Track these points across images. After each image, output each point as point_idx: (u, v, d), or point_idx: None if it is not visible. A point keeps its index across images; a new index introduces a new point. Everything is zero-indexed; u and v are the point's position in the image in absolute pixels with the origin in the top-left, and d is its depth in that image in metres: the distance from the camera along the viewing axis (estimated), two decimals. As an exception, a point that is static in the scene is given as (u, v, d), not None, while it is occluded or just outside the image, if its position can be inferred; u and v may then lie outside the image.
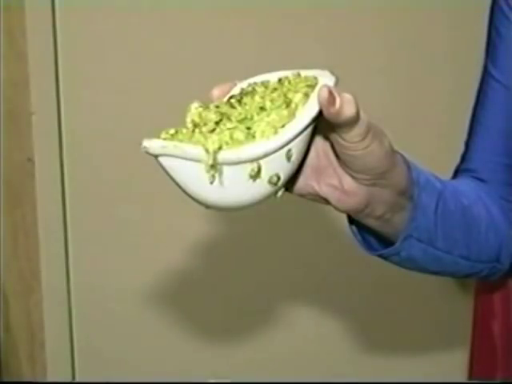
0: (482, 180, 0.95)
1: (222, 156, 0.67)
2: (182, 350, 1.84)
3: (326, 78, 0.73)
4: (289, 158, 0.70)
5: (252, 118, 0.70)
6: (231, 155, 0.67)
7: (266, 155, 0.68)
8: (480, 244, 0.90)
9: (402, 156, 0.78)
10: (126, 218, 1.78)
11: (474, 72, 1.00)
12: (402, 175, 0.77)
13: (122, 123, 1.73)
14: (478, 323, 1.36)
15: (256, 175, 0.69)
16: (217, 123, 0.69)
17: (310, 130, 0.71)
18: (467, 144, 0.98)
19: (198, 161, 0.67)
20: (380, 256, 0.85)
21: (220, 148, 0.67)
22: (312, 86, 0.72)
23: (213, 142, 0.67)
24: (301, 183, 0.76)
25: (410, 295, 1.91)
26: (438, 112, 1.85)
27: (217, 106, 0.71)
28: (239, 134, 0.68)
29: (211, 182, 0.68)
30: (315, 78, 0.73)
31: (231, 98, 0.73)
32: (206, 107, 0.70)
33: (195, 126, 0.69)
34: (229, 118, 0.70)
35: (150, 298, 1.80)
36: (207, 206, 0.70)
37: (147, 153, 0.67)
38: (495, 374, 1.32)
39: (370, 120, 0.71)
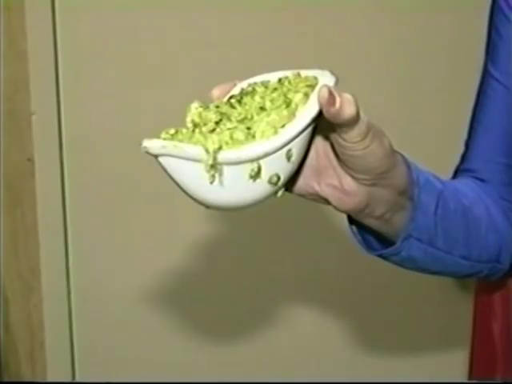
0: (482, 180, 0.95)
1: (222, 156, 0.67)
2: (182, 350, 1.84)
3: (326, 78, 0.73)
4: (289, 157, 0.70)
5: (252, 118, 0.70)
6: (231, 155, 0.67)
7: (266, 155, 0.68)
8: (480, 244, 0.90)
9: (402, 156, 0.78)
10: (126, 218, 1.78)
11: (474, 72, 1.00)
12: (402, 175, 0.77)
13: (122, 123, 1.73)
14: (478, 323, 1.35)
15: (256, 175, 0.69)
16: (217, 123, 0.69)
17: (310, 129, 0.71)
18: (467, 144, 0.98)
19: (197, 161, 0.67)
20: (380, 256, 0.85)
21: (220, 148, 0.67)
22: (312, 86, 0.72)
23: (213, 142, 0.67)
24: (301, 183, 0.76)
25: (410, 295, 1.91)
26: (438, 112, 1.85)
27: (217, 106, 0.71)
28: (239, 134, 0.68)
29: (211, 182, 0.68)
30: (315, 78, 0.73)
31: (231, 97, 0.73)
32: (206, 107, 0.70)
33: (195, 126, 0.69)
34: (229, 118, 0.70)
35: (150, 298, 1.80)
36: (207, 206, 0.70)
37: (147, 153, 0.67)
38: (495, 373, 1.32)
39: (369, 120, 0.71)
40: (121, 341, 1.82)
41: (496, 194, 0.94)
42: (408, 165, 0.79)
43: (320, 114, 0.70)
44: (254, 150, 0.68)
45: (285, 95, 0.71)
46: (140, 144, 0.66)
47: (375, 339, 1.94)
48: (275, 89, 0.73)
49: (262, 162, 0.68)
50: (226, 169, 0.68)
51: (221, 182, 0.68)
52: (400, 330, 1.92)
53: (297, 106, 0.70)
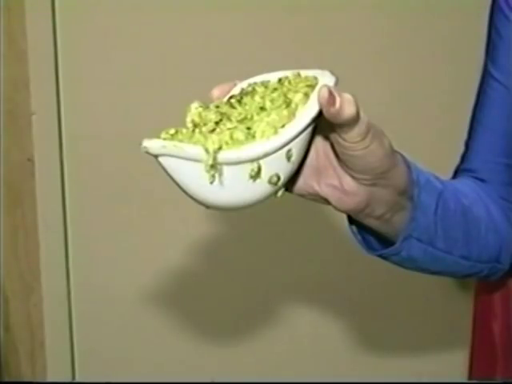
0: (482, 180, 0.95)
1: (222, 156, 0.67)
2: (182, 350, 1.84)
3: (326, 78, 0.73)
4: (289, 157, 0.70)
5: (252, 118, 0.70)
6: (231, 155, 0.67)
7: (266, 155, 0.68)
8: (480, 244, 0.90)
9: (402, 156, 0.78)
10: (126, 218, 1.78)
11: (474, 72, 1.00)
12: (402, 175, 0.77)
13: (122, 123, 1.73)
14: (478, 323, 1.35)
15: (256, 175, 0.69)
16: (217, 123, 0.69)
17: (310, 129, 0.71)
18: (467, 144, 0.98)
19: (197, 161, 0.67)
20: (380, 256, 0.85)
21: (220, 148, 0.67)
22: (312, 86, 0.72)
23: (213, 142, 0.67)
24: (301, 183, 0.76)
25: (410, 295, 1.91)
26: (438, 112, 1.85)
27: (217, 106, 0.71)
28: (239, 134, 0.68)
29: (211, 182, 0.68)
30: (315, 78, 0.73)
31: (231, 97, 0.73)
32: (206, 107, 0.70)
33: (195, 126, 0.69)
34: (229, 118, 0.70)
35: (150, 298, 1.80)
36: (207, 206, 0.70)
37: (147, 153, 0.67)
38: (495, 373, 1.31)
39: (369, 120, 0.71)
40: (121, 341, 1.82)
41: (496, 194, 0.94)
42: (408, 165, 0.79)
43: (320, 113, 0.70)
44: (253, 149, 0.68)
45: (285, 95, 0.71)
46: (140, 144, 0.66)
47: (375, 339, 1.94)
48: (275, 89, 0.73)
49: (262, 162, 0.68)
50: (225, 169, 0.67)
51: (221, 182, 0.68)
52: (400, 330, 1.92)
53: (297, 105, 0.70)
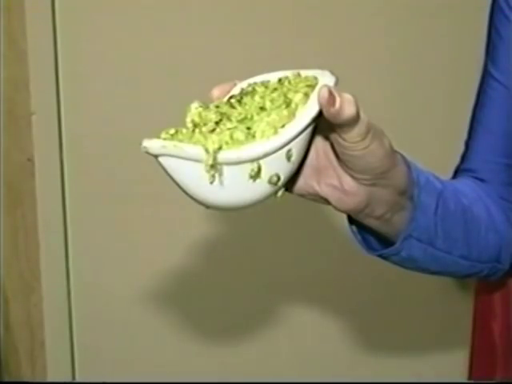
0: (481, 180, 0.95)
1: (222, 156, 0.67)
2: (182, 350, 1.84)
3: (326, 78, 0.73)
4: (289, 157, 0.70)
5: (252, 118, 0.70)
6: (231, 155, 0.67)
7: (265, 155, 0.68)
8: (480, 244, 0.90)
9: (402, 156, 0.78)
10: (126, 218, 1.78)
11: (474, 72, 1.00)
12: (402, 175, 0.77)
13: (122, 123, 1.73)
14: (478, 323, 1.36)
15: (256, 175, 0.69)
16: (217, 123, 0.69)
17: (310, 129, 0.71)
18: (467, 144, 0.98)
19: (197, 161, 0.67)
20: (380, 256, 0.85)
21: (220, 148, 0.67)
22: (312, 86, 0.72)
23: (213, 142, 0.67)
24: (301, 183, 0.76)
25: (410, 295, 1.91)
26: (438, 112, 1.85)
27: (217, 106, 0.71)
28: (239, 134, 0.68)
29: (211, 182, 0.68)
30: (315, 78, 0.73)
31: (231, 97, 0.73)
32: (206, 107, 0.70)
33: (195, 126, 0.69)
34: (229, 118, 0.70)
35: (150, 298, 1.80)
36: (207, 206, 0.70)
37: (147, 153, 0.67)
38: (495, 374, 1.32)
39: (370, 120, 0.71)
40: (121, 341, 1.82)
41: (496, 194, 0.94)
42: (408, 165, 0.79)
43: (320, 114, 0.70)
44: (254, 150, 0.68)
45: (285, 95, 0.71)
46: (140, 144, 0.66)
47: (375, 339, 1.94)
48: (275, 89, 0.73)
49: (262, 162, 0.68)
50: (226, 169, 0.67)
51: (221, 182, 0.68)
52: (400, 330, 1.92)
53: (297, 105, 0.70)
